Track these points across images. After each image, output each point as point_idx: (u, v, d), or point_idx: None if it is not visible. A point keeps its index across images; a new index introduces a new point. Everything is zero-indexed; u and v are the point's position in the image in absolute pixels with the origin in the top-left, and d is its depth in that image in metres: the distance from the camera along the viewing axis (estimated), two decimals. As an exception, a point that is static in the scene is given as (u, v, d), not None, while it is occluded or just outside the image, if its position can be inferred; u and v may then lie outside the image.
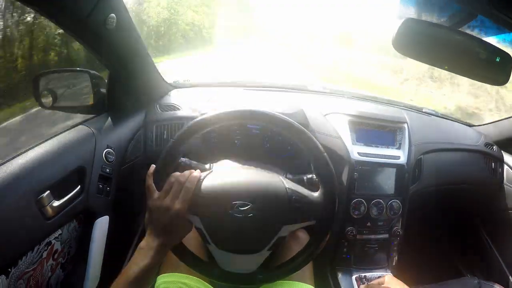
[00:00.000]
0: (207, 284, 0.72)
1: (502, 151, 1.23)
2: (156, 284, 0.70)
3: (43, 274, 0.67)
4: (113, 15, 0.66)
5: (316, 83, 1.37)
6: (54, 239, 0.68)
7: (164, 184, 0.59)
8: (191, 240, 0.67)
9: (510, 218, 1.17)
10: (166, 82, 1.09)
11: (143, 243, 0.57)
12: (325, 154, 0.62)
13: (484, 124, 1.33)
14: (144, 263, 0.55)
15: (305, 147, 0.62)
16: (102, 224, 0.78)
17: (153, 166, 0.61)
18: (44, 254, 0.66)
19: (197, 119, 0.61)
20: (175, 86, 1.14)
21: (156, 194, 0.58)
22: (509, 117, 1.24)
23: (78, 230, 0.76)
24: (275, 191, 0.61)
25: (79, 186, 0.72)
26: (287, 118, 0.62)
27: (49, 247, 0.67)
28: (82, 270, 0.76)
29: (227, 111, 0.61)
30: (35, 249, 0.63)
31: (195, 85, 1.21)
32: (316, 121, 0.99)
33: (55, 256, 0.70)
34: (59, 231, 0.69)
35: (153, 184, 0.59)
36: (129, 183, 0.87)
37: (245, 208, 0.58)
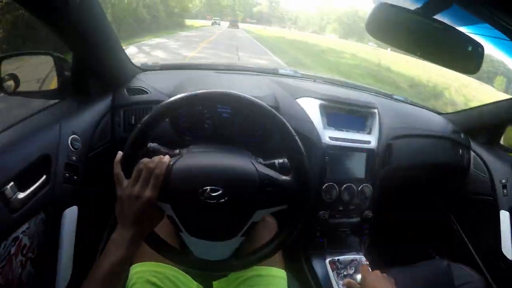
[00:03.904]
0: (181, 271, 0.71)
1: (469, 139, 1.28)
2: (130, 274, 0.69)
3: (13, 271, 0.64)
4: None
5: (287, 67, 1.35)
6: (21, 233, 0.65)
7: (132, 171, 0.56)
8: (164, 228, 0.65)
9: (476, 202, 1.22)
10: (134, 65, 1.05)
11: (115, 235, 0.56)
12: (296, 137, 0.60)
13: (452, 113, 1.37)
14: (118, 254, 0.53)
15: (276, 130, 0.61)
16: (71, 215, 0.76)
17: (120, 153, 0.58)
18: (12, 250, 0.63)
19: (164, 102, 0.58)
20: (143, 69, 1.10)
21: (125, 182, 0.56)
22: (477, 107, 1.29)
23: (46, 223, 0.72)
24: (247, 175, 0.59)
25: (44, 176, 0.68)
26: (259, 100, 0.60)
27: (17, 242, 0.64)
28: (53, 264, 0.74)
29: (195, 93, 0.58)
30: (2, 245, 0.60)
31: (164, 67, 1.17)
32: (286, 104, 0.98)
33: (24, 252, 0.67)
34: (26, 225, 0.66)
35: (121, 172, 0.57)
36: (97, 170, 0.84)
37: (217, 193, 0.56)
